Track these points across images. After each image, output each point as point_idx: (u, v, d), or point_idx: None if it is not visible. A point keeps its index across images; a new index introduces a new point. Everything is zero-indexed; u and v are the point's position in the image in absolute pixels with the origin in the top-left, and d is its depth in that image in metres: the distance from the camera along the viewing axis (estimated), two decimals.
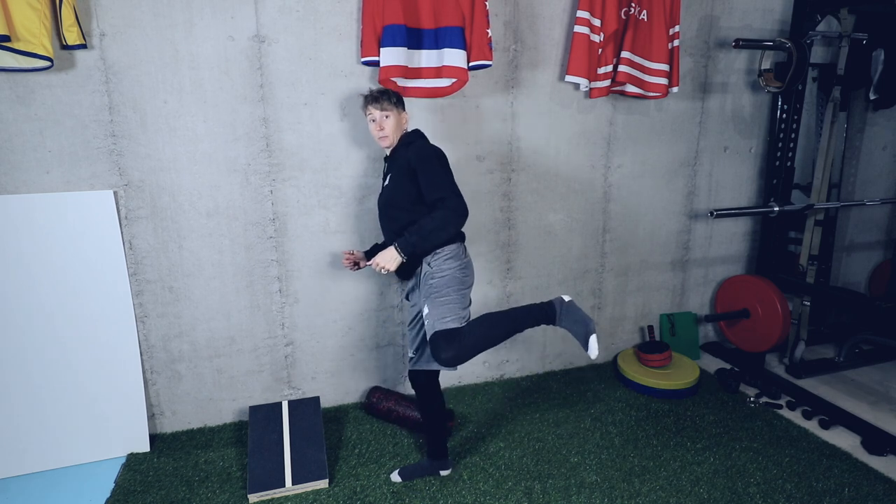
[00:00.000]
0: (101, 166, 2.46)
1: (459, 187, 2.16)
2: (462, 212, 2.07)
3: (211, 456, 2.62)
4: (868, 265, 4.18)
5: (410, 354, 2.41)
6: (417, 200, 2.14)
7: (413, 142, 2.24)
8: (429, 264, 2.15)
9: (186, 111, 2.51)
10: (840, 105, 3.42)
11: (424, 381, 2.40)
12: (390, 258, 2.07)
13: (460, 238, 2.23)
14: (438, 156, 2.16)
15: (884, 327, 3.55)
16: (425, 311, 2.13)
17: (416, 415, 2.77)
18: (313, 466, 2.43)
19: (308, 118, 2.67)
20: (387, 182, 2.26)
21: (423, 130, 2.32)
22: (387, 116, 2.22)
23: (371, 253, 2.58)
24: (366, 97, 2.25)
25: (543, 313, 2.15)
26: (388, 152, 2.31)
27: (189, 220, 2.61)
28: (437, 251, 2.14)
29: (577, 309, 2.13)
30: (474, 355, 2.08)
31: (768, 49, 3.25)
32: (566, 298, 2.16)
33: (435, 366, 2.26)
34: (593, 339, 2.06)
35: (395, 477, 2.45)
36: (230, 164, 2.62)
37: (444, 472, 2.48)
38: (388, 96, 2.24)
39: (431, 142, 2.88)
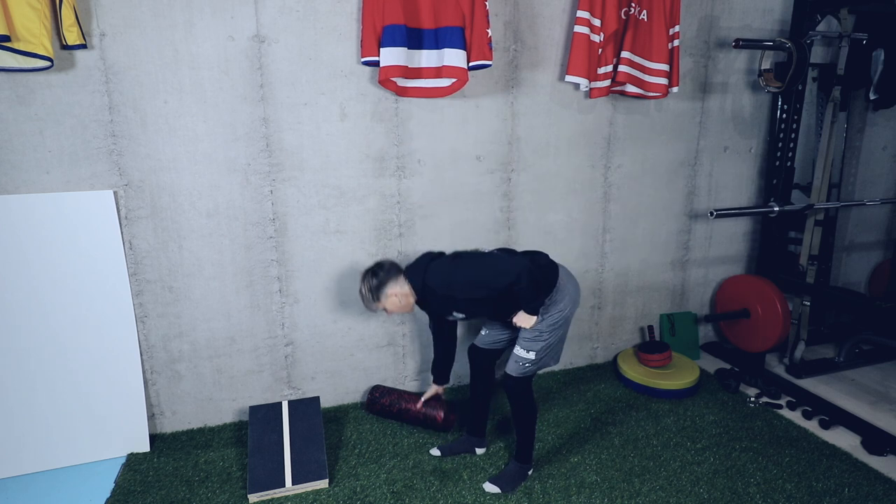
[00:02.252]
0: (101, 166, 2.46)
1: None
2: (526, 279, 2.15)
3: (211, 456, 2.62)
4: (868, 265, 4.18)
5: (484, 332, 2.54)
6: (495, 295, 2.23)
7: (427, 287, 2.27)
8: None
9: (186, 111, 2.51)
10: (840, 105, 3.42)
11: (485, 361, 2.56)
12: (529, 319, 2.26)
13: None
14: (460, 273, 2.24)
15: (884, 327, 3.55)
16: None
17: (417, 408, 2.77)
18: (313, 466, 2.43)
19: (308, 118, 2.67)
20: (460, 315, 2.36)
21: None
22: (384, 310, 2.35)
23: (439, 378, 2.73)
24: None
25: (532, 456, 2.47)
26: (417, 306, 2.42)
27: (189, 220, 2.61)
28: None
29: (521, 481, 2.43)
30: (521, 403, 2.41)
31: (768, 49, 3.25)
32: (530, 473, 2.47)
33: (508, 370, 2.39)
34: (493, 487, 2.37)
35: (435, 451, 2.60)
36: (230, 164, 2.62)
37: (479, 451, 2.62)
38: (364, 300, 2.33)
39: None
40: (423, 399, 2.75)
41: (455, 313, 2.35)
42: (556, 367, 3.46)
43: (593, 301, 3.46)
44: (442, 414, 2.72)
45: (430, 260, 2.35)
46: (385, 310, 2.36)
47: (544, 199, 3.18)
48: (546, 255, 2.41)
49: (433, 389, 2.73)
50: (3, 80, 2.26)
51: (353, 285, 2.92)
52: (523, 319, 2.26)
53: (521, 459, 2.43)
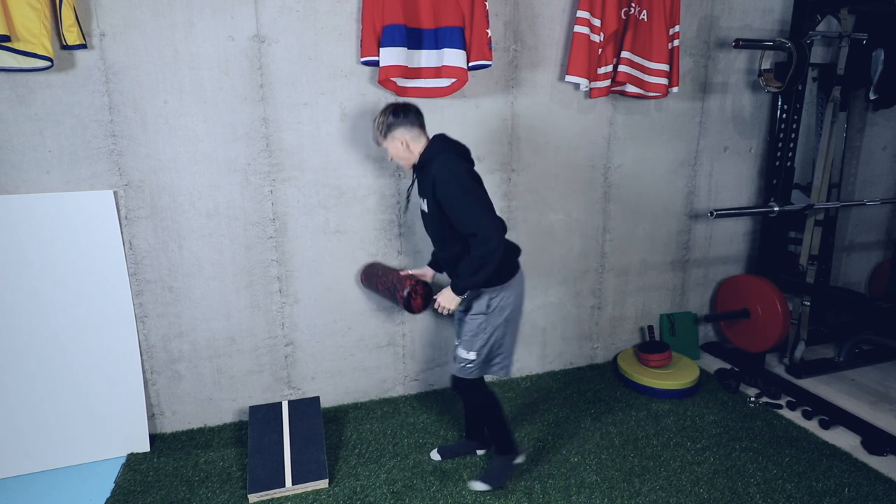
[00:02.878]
0: (101, 166, 2.46)
1: None
2: (495, 245, 2.04)
3: (211, 456, 2.62)
4: (868, 265, 4.18)
5: (456, 342, 2.43)
6: (450, 225, 2.13)
7: (432, 160, 2.14)
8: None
9: (186, 111, 2.51)
10: (840, 105, 3.42)
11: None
12: (450, 299, 2.17)
13: (508, 274, 2.23)
14: (458, 180, 2.06)
15: (884, 327, 3.55)
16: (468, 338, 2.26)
17: (400, 274, 2.55)
18: (313, 466, 2.43)
19: (308, 118, 2.67)
20: (425, 207, 2.21)
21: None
22: (386, 148, 2.24)
23: (434, 265, 2.58)
24: None
25: (512, 445, 2.41)
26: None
27: (189, 220, 2.61)
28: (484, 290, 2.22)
29: (508, 472, 2.41)
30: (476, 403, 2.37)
31: (768, 49, 3.25)
32: (518, 461, 2.43)
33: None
34: (479, 485, 2.36)
35: (435, 455, 2.57)
36: (230, 164, 2.62)
37: (479, 452, 2.61)
38: (374, 129, 2.22)
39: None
40: (406, 271, 2.57)
41: (423, 201, 2.21)
42: (555, 368, 3.46)
43: (593, 301, 3.46)
44: (406, 291, 2.41)
45: (458, 154, 2.19)
46: (386, 150, 2.25)
47: (544, 199, 3.18)
48: (519, 254, 2.31)
49: (422, 270, 2.58)
50: (3, 80, 2.26)
51: (353, 285, 2.93)
52: (445, 297, 2.17)
53: (502, 451, 2.41)
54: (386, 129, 2.18)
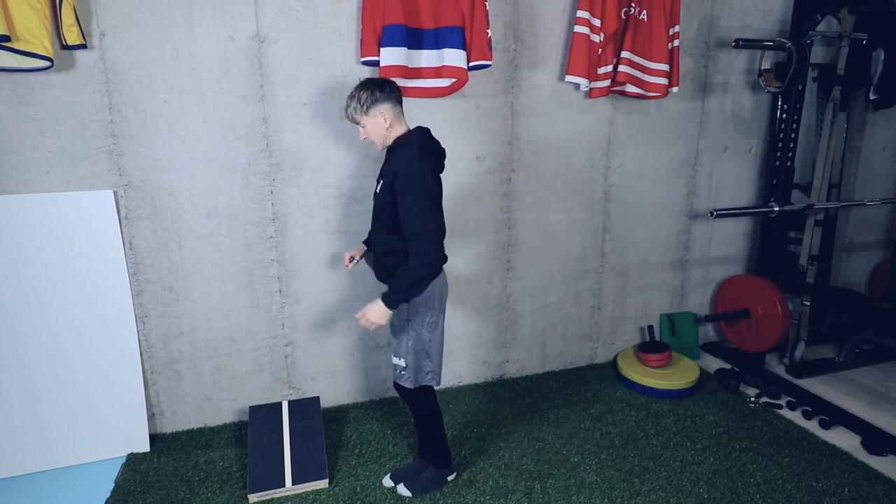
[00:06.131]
0: (101, 166, 2.46)
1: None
2: (432, 259, 1.98)
3: (211, 456, 2.62)
4: (868, 265, 4.18)
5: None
6: (395, 222, 2.05)
7: (406, 146, 2.06)
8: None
9: (186, 111, 2.51)
10: (840, 105, 3.42)
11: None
12: (381, 314, 2.04)
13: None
14: (424, 180, 1.98)
15: (884, 327, 3.55)
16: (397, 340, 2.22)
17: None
18: (313, 466, 2.43)
19: (308, 118, 2.67)
20: (379, 187, 2.13)
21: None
22: (361, 126, 2.11)
23: (368, 242, 2.46)
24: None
25: (447, 461, 2.39)
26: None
27: (189, 220, 2.62)
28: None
29: (437, 485, 2.39)
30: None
31: (768, 49, 3.25)
32: (450, 479, 2.42)
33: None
34: (404, 490, 2.34)
35: (388, 481, 2.41)
36: (230, 164, 2.62)
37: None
38: (353, 104, 2.07)
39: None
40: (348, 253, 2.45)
41: (380, 183, 2.12)
42: (555, 368, 3.46)
43: (593, 301, 3.46)
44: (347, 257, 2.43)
45: (433, 154, 2.10)
46: (363, 128, 2.10)
47: (544, 199, 3.18)
48: (444, 261, 2.15)
49: (358, 247, 2.45)
50: (3, 80, 2.26)
51: (353, 285, 2.93)
52: (375, 312, 2.03)
53: (436, 464, 2.37)
54: (370, 104, 2.04)
